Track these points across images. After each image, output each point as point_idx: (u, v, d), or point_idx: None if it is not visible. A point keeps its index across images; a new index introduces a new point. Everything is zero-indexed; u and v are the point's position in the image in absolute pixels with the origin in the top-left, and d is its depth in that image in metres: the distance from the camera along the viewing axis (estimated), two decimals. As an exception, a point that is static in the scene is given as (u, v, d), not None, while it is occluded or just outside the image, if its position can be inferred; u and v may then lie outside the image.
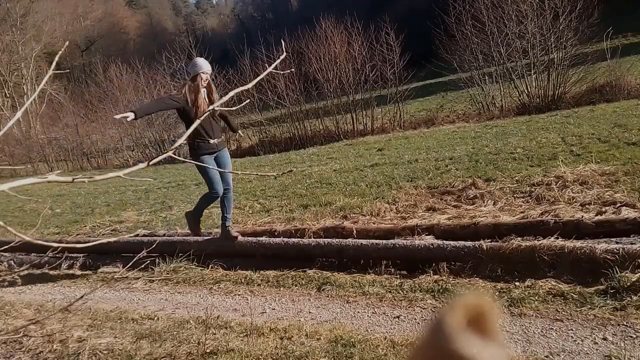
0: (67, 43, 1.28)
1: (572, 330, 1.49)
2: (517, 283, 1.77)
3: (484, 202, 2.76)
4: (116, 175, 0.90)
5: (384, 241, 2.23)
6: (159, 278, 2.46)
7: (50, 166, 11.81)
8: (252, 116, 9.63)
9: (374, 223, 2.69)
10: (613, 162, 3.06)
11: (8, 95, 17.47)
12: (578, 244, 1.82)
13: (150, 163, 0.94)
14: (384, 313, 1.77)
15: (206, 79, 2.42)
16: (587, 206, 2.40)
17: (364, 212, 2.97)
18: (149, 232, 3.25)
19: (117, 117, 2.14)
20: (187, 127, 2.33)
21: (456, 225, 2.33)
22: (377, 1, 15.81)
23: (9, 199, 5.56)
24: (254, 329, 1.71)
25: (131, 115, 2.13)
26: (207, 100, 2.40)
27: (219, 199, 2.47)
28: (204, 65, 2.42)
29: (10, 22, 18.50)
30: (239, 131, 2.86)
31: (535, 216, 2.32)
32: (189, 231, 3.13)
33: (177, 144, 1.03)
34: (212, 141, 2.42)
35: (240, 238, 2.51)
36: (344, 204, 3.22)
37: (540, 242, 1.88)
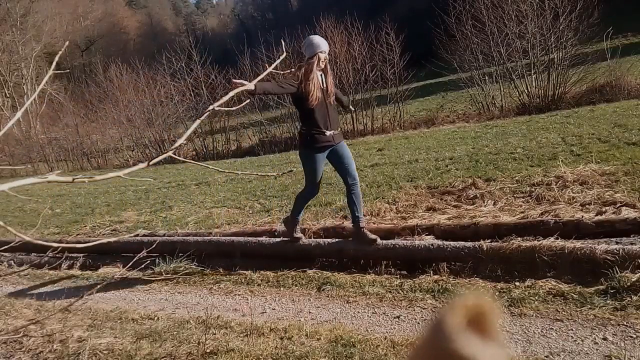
0: (67, 43, 1.28)
1: (572, 330, 1.49)
2: (517, 283, 1.77)
3: (484, 202, 2.76)
4: (116, 175, 0.90)
5: (384, 241, 2.23)
6: (160, 278, 2.46)
7: (50, 166, 11.81)
8: (252, 116, 9.63)
9: (374, 223, 2.69)
10: (613, 162, 3.05)
11: (8, 95, 17.48)
12: (578, 244, 1.82)
13: (151, 163, 0.94)
14: (384, 313, 1.77)
15: (324, 60, 2.07)
16: (587, 206, 2.40)
17: (364, 212, 2.96)
18: (149, 232, 3.25)
19: (238, 81, 1.85)
20: (301, 116, 2.13)
21: (456, 226, 2.33)
22: (377, 1, 15.83)
23: (9, 199, 5.56)
24: (254, 329, 1.71)
25: (251, 86, 1.85)
26: (324, 84, 2.08)
27: (350, 196, 2.14)
28: (321, 44, 2.06)
29: (11, 22, 18.51)
30: (350, 106, 2.56)
31: (535, 216, 2.31)
32: (188, 231, 3.14)
33: (177, 144, 1.03)
34: (328, 133, 2.07)
35: (379, 240, 2.13)
36: (344, 204, 3.22)
37: (540, 242, 1.88)
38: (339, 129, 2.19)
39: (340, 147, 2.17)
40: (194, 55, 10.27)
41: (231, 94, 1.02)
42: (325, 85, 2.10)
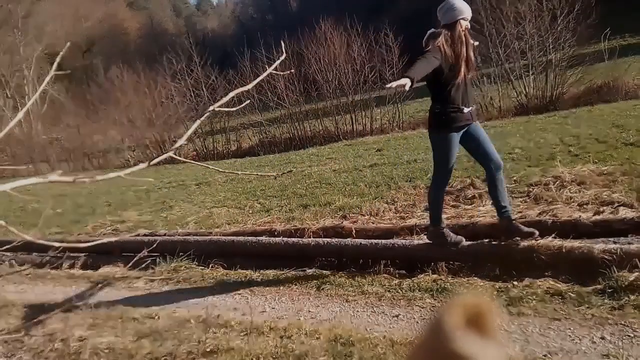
0: (68, 44, 1.30)
1: (570, 329, 1.50)
2: (515, 282, 1.78)
3: (482, 202, 2.77)
4: (117, 175, 0.91)
5: (383, 241, 2.24)
6: (160, 277, 2.47)
7: (51, 166, 11.82)
8: (252, 117, 9.65)
9: (373, 223, 2.70)
10: (611, 163, 3.06)
11: (10, 96, 17.50)
12: (576, 243, 1.83)
13: (151, 163, 0.95)
14: (383, 312, 1.78)
15: (466, 28, 1.78)
16: (584, 206, 2.41)
17: (363, 212, 2.97)
18: (150, 231, 3.26)
19: (393, 85, 1.57)
20: (436, 93, 1.82)
21: (454, 225, 2.34)
22: (376, 3, 15.86)
23: (11, 199, 5.57)
24: (254, 328, 1.72)
25: (408, 83, 1.58)
26: (465, 56, 1.77)
27: (494, 183, 1.82)
28: (464, 9, 1.77)
29: (12, 24, 18.55)
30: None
31: (533, 216, 2.32)
32: (188, 231, 3.15)
33: (177, 145, 1.04)
34: (466, 110, 1.80)
35: (537, 235, 1.80)
36: (343, 203, 3.23)
37: (538, 241, 1.89)
38: (475, 105, 1.89)
39: (476, 127, 1.86)
40: (195, 57, 10.30)
41: (231, 94, 1.04)
42: (466, 58, 1.78)
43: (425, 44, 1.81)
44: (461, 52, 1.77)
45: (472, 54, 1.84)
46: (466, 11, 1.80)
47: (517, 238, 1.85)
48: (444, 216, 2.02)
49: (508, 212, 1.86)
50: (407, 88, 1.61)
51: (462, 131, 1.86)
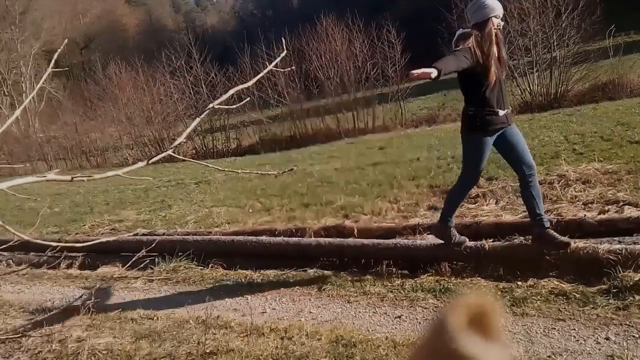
0: (66, 41, 1.26)
1: (574, 330, 1.48)
2: (519, 282, 1.76)
3: (486, 201, 2.74)
4: (115, 174, 0.88)
5: (386, 240, 2.22)
6: (159, 277, 2.45)
7: (49, 165, 11.79)
8: (252, 114, 9.61)
9: (375, 222, 2.68)
10: (616, 161, 3.04)
11: (7, 94, 17.43)
12: (581, 243, 1.81)
13: (150, 162, 0.93)
14: (385, 313, 1.76)
15: (498, 26, 1.72)
16: (589, 205, 2.38)
17: (365, 211, 2.95)
18: (149, 231, 3.23)
19: (417, 72, 1.50)
20: (469, 94, 1.75)
21: (458, 225, 2.31)
22: (376, 2, 15.72)
23: (8, 198, 5.55)
24: (254, 329, 1.70)
25: (434, 73, 1.53)
26: (496, 55, 1.70)
27: (528, 189, 1.76)
28: (496, 7, 1.71)
29: (9, 20, 18.42)
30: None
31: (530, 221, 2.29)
32: (187, 230, 3.12)
33: (176, 143, 1.01)
34: (501, 113, 1.74)
35: (572, 244, 1.72)
36: (345, 203, 3.21)
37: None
38: (510, 107, 1.81)
39: (512, 130, 1.78)
40: (194, 53, 10.24)
41: (231, 92, 1.00)
42: (498, 58, 1.72)
43: (454, 44, 1.76)
44: (492, 51, 1.70)
45: (504, 53, 1.78)
46: (498, 8, 1.73)
47: (551, 247, 1.76)
48: (453, 218, 1.96)
49: (542, 220, 1.77)
50: (432, 77, 1.54)
51: (496, 134, 1.79)
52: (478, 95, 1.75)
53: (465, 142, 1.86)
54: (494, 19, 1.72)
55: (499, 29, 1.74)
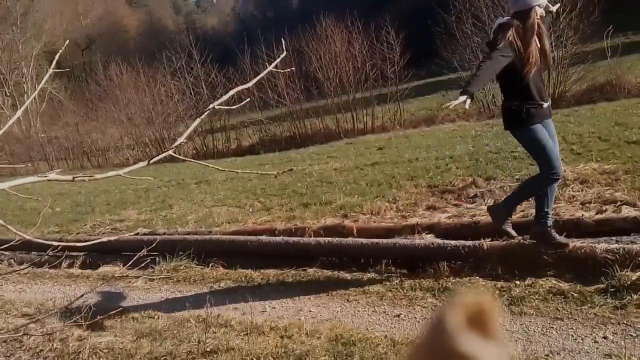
0: (67, 42, 1.28)
1: (572, 329, 1.49)
2: (517, 282, 1.77)
3: (484, 201, 2.76)
4: (116, 174, 0.90)
5: (385, 240, 2.23)
6: (160, 277, 2.46)
7: (50, 165, 11.81)
8: (252, 115, 9.63)
9: (374, 222, 2.69)
10: (613, 161, 3.05)
11: (8, 94, 17.46)
12: (578, 242, 1.82)
13: (151, 162, 0.94)
14: (385, 312, 1.77)
15: (541, 16, 1.64)
16: (587, 205, 2.40)
17: (365, 210, 2.96)
18: (149, 230, 3.25)
19: (452, 105, 1.53)
20: (510, 87, 1.69)
21: (457, 224, 2.33)
22: (377, 0, 15.79)
23: (9, 198, 5.56)
24: (254, 327, 1.71)
25: (468, 100, 1.54)
26: (538, 47, 1.63)
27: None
28: None
29: (11, 21, 18.47)
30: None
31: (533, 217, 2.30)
32: (188, 230, 3.14)
33: (177, 143, 1.02)
34: (544, 105, 1.69)
35: (571, 245, 1.72)
36: (344, 202, 3.22)
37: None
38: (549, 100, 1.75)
39: (550, 123, 1.74)
40: (194, 54, 10.27)
41: (231, 92, 1.02)
42: (540, 49, 1.64)
43: (494, 34, 1.68)
44: (533, 43, 1.62)
45: (547, 43, 1.69)
46: None
47: (549, 246, 1.75)
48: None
49: (547, 218, 1.75)
50: (467, 106, 1.54)
51: (542, 124, 1.71)
52: (520, 88, 1.68)
53: (519, 138, 1.77)
54: (537, 8, 1.62)
55: (542, 19, 1.65)
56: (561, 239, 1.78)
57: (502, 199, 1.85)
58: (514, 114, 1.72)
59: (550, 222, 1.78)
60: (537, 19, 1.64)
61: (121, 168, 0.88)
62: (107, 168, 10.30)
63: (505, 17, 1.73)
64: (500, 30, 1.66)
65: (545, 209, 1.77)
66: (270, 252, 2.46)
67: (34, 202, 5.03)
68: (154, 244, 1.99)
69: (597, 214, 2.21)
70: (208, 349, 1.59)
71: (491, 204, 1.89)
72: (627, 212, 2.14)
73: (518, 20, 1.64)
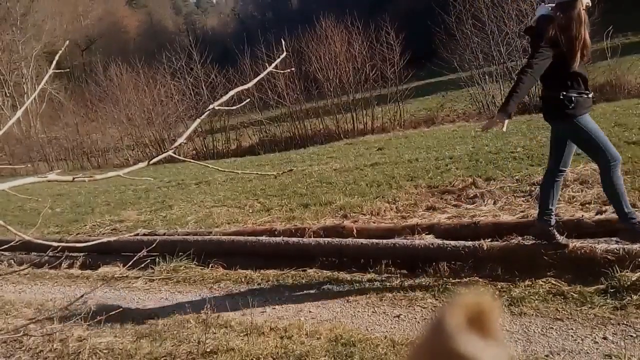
0: (67, 42, 1.28)
1: (572, 329, 1.49)
2: (517, 282, 1.77)
3: (484, 202, 2.76)
4: (116, 174, 0.90)
5: (384, 240, 2.23)
6: (159, 277, 2.46)
7: (50, 165, 11.81)
8: (252, 115, 9.63)
9: (374, 222, 2.69)
10: (613, 162, 3.04)
11: (8, 95, 17.47)
12: (578, 243, 1.82)
13: (151, 162, 0.94)
14: (384, 312, 1.77)
15: (587, 5, 1.59)
16: (587, 205, 2.40)
17: (364, 211, 2.96)
18: (149, 231, 3.25)
19: (489, 127, 1.57)
20: (555, 79, 1.62)
21: (456, 225, 2.33)
22: (377, 0, 15.82)
23: (9, 198, 5.56)
24: (254, 328, 1.71)
25: (505, 122, 1.55)
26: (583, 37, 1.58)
27: (552, 184, 1.70)
28: None
29: (11, 22, 18.48)
30: None
31: (535, 215, 2.31)
32: (188, 231, 3.13)
33: (177, 143, 1.02)
34: (590, 95, 1.66)
35: (571, 245, 1.71)
36: (344, 203, 3.22)
37: (540, 241, 1.88)
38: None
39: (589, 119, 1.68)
40: (194, 55, 10.27)
41: (231, 93, 1.02)
42: (583, 39, 1.60)
43: (536, 24, 1.64)
44: (581, 32, 1.58)
45: (587, 35, 1.64)
46: None
47: (549, 245, 1.75)
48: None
49: (551, 217, 1.75)
50: (504, 129, 1.54)
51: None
52: (567, 77, 1.63)
53: (566, 130, 1.70)
54: None
55: (587, 9, 1.61)
56: (562, 239, 1.79)
57: (620, 217, 1.71)
58: (562, 104, 1.64)
59: (553, 222, 1.77)
60: (584, 8, 1.60)
61: (121, 169, 0.88)
62: (107, 169, 10.30)
63: (547, 5, 1.65)
64: (544, 22, 1.62)
65: (550, 207, 1.75)
66: (270, 252, 2.46)
67: (34, 203, 5.03)
68: (154, 245, 1.99)
69: (597, 214, 2.21)
70: (208, 350, 1.59)
71: (621, 227, 1.72)
72: (627, 212, 2.14)
73: (562, 10, 1.59)
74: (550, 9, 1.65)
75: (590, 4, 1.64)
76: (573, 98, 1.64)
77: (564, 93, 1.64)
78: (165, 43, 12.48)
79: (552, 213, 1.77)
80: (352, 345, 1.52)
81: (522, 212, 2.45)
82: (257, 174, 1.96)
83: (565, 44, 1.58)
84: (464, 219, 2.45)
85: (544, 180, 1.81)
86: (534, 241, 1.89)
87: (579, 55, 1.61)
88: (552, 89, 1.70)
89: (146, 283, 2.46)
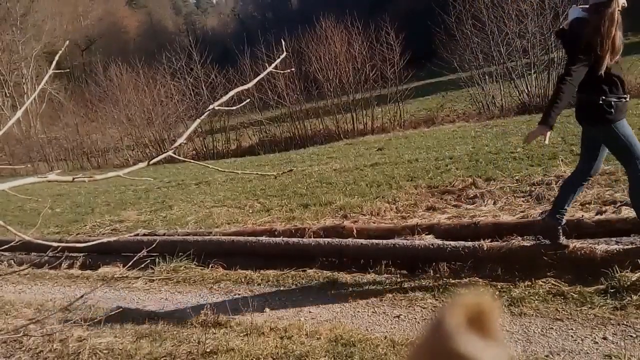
0: (67, 43, 1.28)
1: (572, 329, 1.49)
2: (517, 282, 1.77)
3: (484, 202, 2.76)
4: (116, 174, 0.90)
5: (384, 241, 2.23)
6: (159, 277, 2.46)
7: (50, 165, 11.81)
8: (252, 116, 9.63)
9: (374, 222, 2.69)
10: (613, 162, 3.04)
11: (8, 95, 17.47)
12: (578, 243, 1.82)
13: (151, 162, 0.94)
14: (384, 312, 1.77)
15: (623, 5, 1.57)
16: (587, 206, 2.40)
17: (364, 211, 2.97)
18: (149, 231, 3.25)
19: (531, 140, 1.54)
20: (592, 82, 1.58)
21: (456, 225, 2.33)
22: (377, 0, 15.83)
23: (9, 198, 5.56)
24: (254, 328, 1.71)
25: (548, 132, 1.51)
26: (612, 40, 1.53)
27: (576, 186, 1.69)
28: None
29: (11, 22, 18.49)
30: None
31: (535, 216, 2.31)
32: (188, 231, 3.13)
33: (177, 144, 1.03)
34: (628, 98, 1.63)
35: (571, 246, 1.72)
36: (344, 203, 3.22)
37: (540, 241, 1.88)
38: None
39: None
40: (194, 55, 10.27)
41: (231, 93, 1.02)
42: (613, 41, 1.56)
43: (570, 28, 1.61)
44: (612, 33, 1.55)
45: (618, 38, 1.61)
46: None
47: (551, 244, 1.76)
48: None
49: (563, 216, 1.74)
50: (547, 142, 1.53)
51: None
52: (604, 81, 1.60)
53: (604, 135, 1.65)
54: None
55: (622, 9, 1.58)
56: (564, 240, 1.80)
57: None
58: (600, 109, 1.60)
59: (563, 221, 1.77)
60: (619, 8, 1.57)
61: (121, 169, 0.88)
62: (107, 169, 10.30)
63: (580, 6, 1.63)
64: (578, 28, 1.58)
65: (565, 207, 1.74)
66: (270, 252, 2.46)
67: (34, 203, 5.02)
68: (154, 245, 1.99)
69: (596, 214, 2.21)
70: (208, 350, 1.59)
71: None
72: (627, 213, 2.14)
73: (596, 10, 1.56)
74: (582, 10, 1.61)
75: (626, 4, 1.59)
76: (613, 103, 1.59)
77: (604, 97, 1.60)
78: (165, 43, 12.48)
79: (565, 213, 1.76)
80: (352, 346, 1.52)
81: (522, 212, 2.45)
82: (257, 174, 1.95)
83: (601, 44, 1.56)
84: (464, 219, 2.45)
85: (569, 179, 1.77)
86: (534, 241, 1.90)
87: (608, 56, 1.57)
88: (589, 92, 1.64)
89: (146, 283, 2.46)
